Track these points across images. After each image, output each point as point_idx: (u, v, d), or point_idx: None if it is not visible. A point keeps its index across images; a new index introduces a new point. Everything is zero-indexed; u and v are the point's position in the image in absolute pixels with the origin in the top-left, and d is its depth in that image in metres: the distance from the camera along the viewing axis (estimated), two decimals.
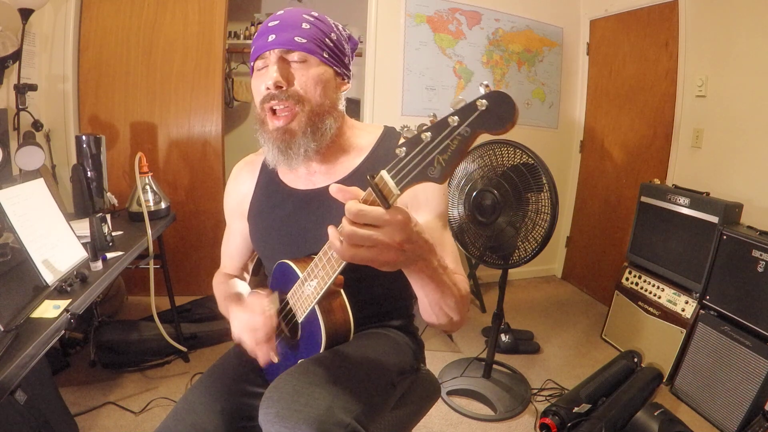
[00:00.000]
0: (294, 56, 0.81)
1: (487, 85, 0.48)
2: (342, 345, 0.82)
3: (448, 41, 2.79)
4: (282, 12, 0.84)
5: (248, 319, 0.82)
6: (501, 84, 2.96)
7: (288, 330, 0.86)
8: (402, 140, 0.53)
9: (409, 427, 0.93)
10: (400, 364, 0.89)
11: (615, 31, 2.88)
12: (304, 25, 0.81)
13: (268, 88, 0.80)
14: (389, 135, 0.93)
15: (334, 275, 0.67)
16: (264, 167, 0.98)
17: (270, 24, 0.82)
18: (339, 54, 0.86)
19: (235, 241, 1.06)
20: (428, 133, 0.50)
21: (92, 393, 1.78)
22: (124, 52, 2.42)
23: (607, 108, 2.97)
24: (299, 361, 0.79)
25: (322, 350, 0.79)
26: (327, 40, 0.83)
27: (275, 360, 0.83)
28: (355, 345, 0.83)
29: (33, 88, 1.99)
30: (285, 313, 0.85)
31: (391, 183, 0.54)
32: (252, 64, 0.86)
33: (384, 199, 0.55)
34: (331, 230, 0.60)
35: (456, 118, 0.49)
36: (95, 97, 2.43)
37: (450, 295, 0.73)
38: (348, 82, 0.90)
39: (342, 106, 0.89)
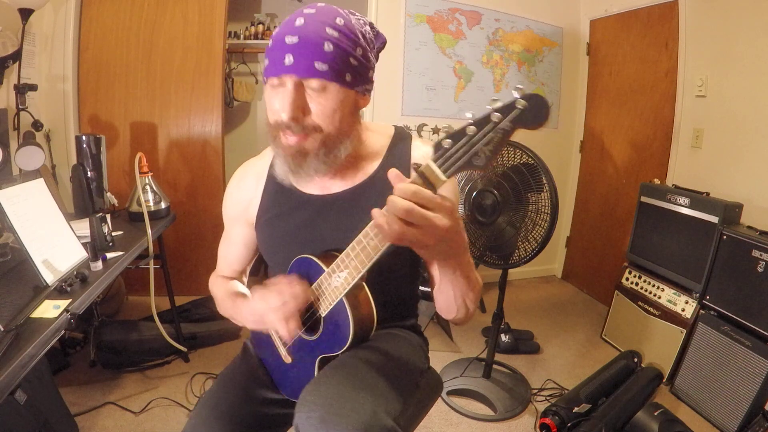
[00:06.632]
0: (313, 83, 0.72)
1: (521, 88, 0.54)
2: (366, 347, 0.81)
3: (448, 41, 2.79)
4: (302, 23, 0.72)
5: (276, 293, 0.77)
6: (501, 84, 2.96)
7: (305, 328, 0.85)
8: (442, 134, 0.58)
9: (414, 424, 0.93)
10: (419, 364, 0.91)
11: (615, 31, 2.87)
12: (327, 47, 0.71)
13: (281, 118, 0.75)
14: (400, 136, 0.91)
15: (370, 263, 0.68)
16: (272, 172, 0.94)
17: (288, 41, 0.71)
18: (364, 71, 0.78)
19: (237, 248, 1.02)
20: (473, 128, 0.56)
21: (92, 393, 1.78)
22: (124, 52, 2.42)
23: (607, 108, 2.97)
24: (330, 363, 0.78)
25: (348, 344, 0.78)
26: (352, 59, 0.74)
27: (293, 338, 0.79)
28: (378, 347, 0.83)
29: (33, 88, 1.99)
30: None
31: (437, 171, 0.58)
32: (266, 79, 0.79)
33: (431, 185, 0.59)
34: (375, 212, 0.60)
35: (498, 114, 0.54)
36: (95, 97, 2.43)
37: (475, 289, 0.76)
38: (369, 96, 0.83)
39: (360, 114, 0.85)
